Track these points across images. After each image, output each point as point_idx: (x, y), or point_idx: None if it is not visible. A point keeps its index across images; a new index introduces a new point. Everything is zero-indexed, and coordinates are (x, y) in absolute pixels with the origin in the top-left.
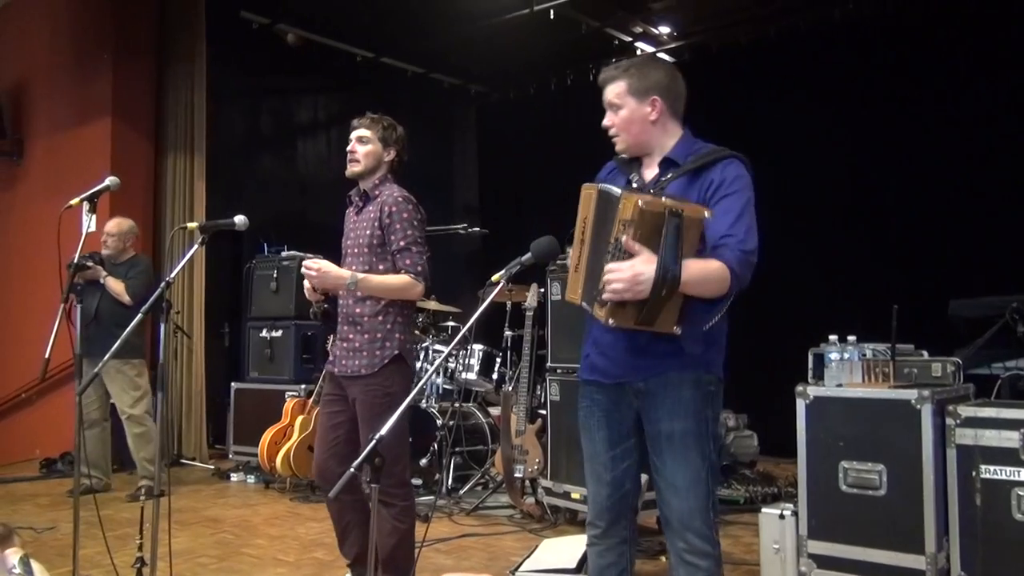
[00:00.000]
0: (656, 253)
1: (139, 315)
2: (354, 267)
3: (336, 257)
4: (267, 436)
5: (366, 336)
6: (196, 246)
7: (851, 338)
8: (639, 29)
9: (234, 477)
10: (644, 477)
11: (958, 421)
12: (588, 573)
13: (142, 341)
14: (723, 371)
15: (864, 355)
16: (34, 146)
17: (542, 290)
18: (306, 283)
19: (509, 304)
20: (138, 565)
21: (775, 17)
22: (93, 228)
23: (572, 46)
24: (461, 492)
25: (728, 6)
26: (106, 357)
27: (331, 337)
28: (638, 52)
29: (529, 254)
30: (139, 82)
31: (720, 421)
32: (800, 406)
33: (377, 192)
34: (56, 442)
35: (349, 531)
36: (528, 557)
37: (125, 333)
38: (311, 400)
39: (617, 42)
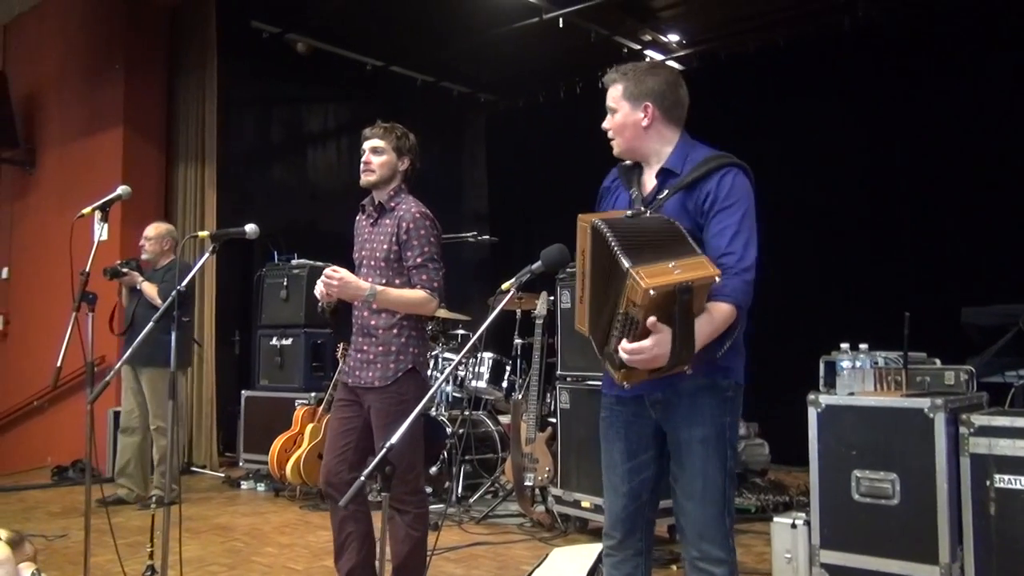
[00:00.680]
0: (668, 326)
1: (150, 324)
2: (371, 279)
3: (346, 265)
4: (277, 444)
5: (380, 348)
6: (207, 254)
7: (863, 346)
8: (648, 37)
9: (244, 485)
10: None
11: (972, 430)
12: None
13: (182, 348)
14: (744, 376)
15: (876, 363)
16: (47, 155)
17: (552, 298)
18: (320, 286)
19: (519, 312)
20: (149, 573)
21: (784, 25)
22: (105, 237)
23: (581, 54)
24: (471, 500)
25: (737, 14)
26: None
27: (341, 345)
28: (647, 60)
29: (539, 262)
30: (151, 92)
31: None
32: (812, 414)
33: (393, 204)
34: (68, 450)
35: (348, 544)
36: (538, 566)
37: (136, 342)
38: (321, 408)
39: (626, 50)
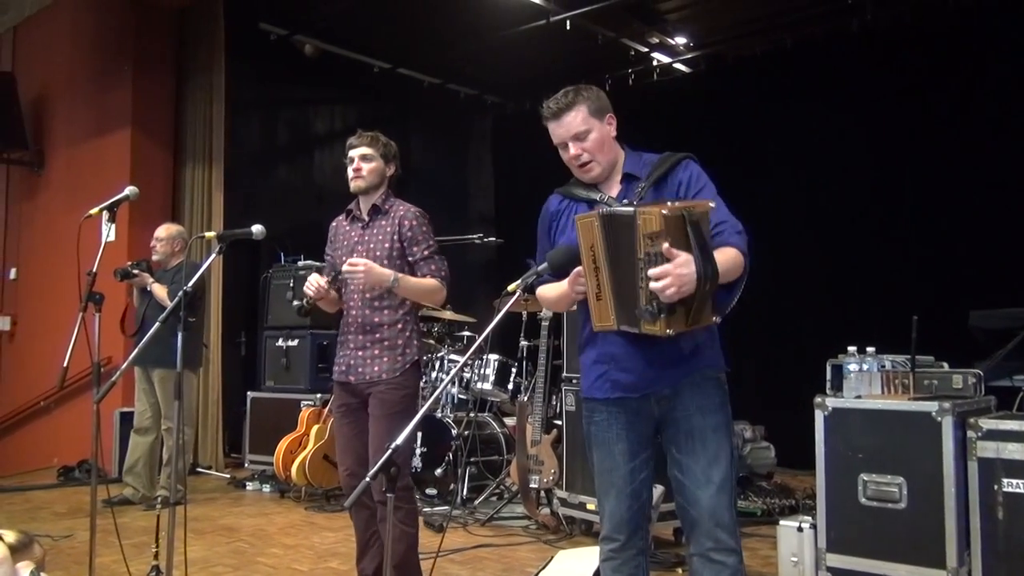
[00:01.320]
0: (687, 250)
1: (156, 324)
2: None
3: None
4: (283, 445)
5: (386, 343)
6: (214, 255)
7: (870, 349)
8: (655, 40)
9: (250, 486)
10: (658, 489)
11: (980, 434)
12: None
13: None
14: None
15: (883, 366)
16: (55, 157)
17: None
18: (312, 280)
19: (525, 314)
20: (154, 574)
21: (791, 27)
22: (112, 238)
23: (588, 57)
24: (476, 502)
25: (744, 16)
26: (123, 365)
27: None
28: (654, 63)
29: (545, 264)
30: (158, 94)
31: (736, 432)
32: (818, 417)
33: (388, 207)
34: (74, 450)
35: (371, 544)
36: (543, 568)
37: (143, 341)
38: (326, 409)
39: (633, 53)
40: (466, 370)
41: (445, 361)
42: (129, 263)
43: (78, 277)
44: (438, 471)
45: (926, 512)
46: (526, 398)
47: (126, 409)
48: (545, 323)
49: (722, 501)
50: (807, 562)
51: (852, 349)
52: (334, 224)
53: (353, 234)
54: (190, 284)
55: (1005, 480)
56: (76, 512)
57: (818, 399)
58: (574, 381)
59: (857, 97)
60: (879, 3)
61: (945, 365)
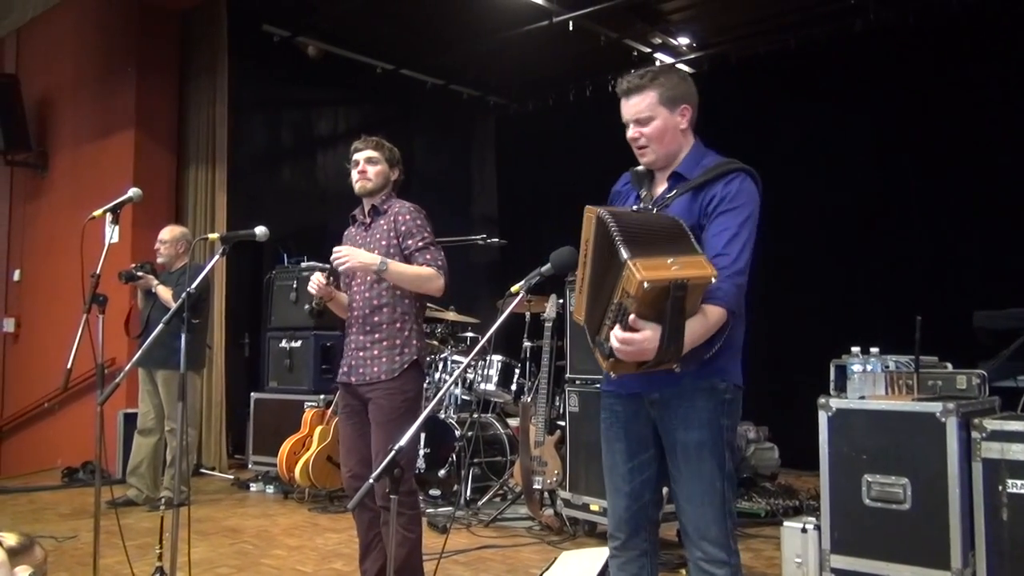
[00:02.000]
0: (659, 323)
1: (159, 326)
2: (370, 278)
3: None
4: (286, 446)
5: (384, 343)
6: (217, 257)
7: (874, 350)
8: (658, 40)
9: (253, 487)
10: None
11: (984, 434)
12: None
13: (195, 351)
14: (743, 378)
15: (887, 367)
16: (59, 158)
17: (561, 301)
18: (313, 278)
19: (528, 315)
20: (158, 575)
21: (794, 27)
22: (116, 239)
23: (591, 58)
24: (480, 503)
25: (747, 17)
26: (127, 367)
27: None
28: (657, 63)
29: (548, 265)
30: (162, 95)
31: (740, 433)
32: (822, 418)
33: (387, 207)
34: (78, 451)
35: (374, 546)
36: (547, 569)
37: (146, 344)
38: (330, 410)
39: (636, 53)
40: (469, 371)
41: (448, 362)
42: (133, 265)
43: (82, 279)
44: (441, 472)
45: (930, 513)
46: (529, 399)
47: (130, 410)
48: (548, 324)
49: (706, 515)
50: (811, 563)
51: (856, 350)
52: (344, 233)
53: (358, 237)
54: (193, 285)
55: (1009, 481)
56: (80, 513)
57: (822, 400)
58: (577, 382)
59: (861, 98)
60: (882, 3)
61: (949, 366)
